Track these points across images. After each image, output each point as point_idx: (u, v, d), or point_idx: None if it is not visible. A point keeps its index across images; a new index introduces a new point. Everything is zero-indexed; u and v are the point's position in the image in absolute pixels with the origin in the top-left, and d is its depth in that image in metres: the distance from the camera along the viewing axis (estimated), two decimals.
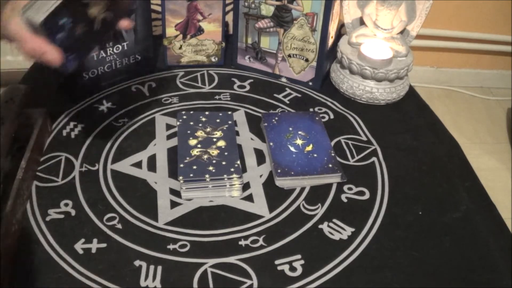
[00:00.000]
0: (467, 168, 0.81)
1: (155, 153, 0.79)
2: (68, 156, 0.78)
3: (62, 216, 0.68)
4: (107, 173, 0.75)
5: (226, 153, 0.76)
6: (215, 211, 0.70)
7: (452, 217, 0.72)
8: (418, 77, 2.11)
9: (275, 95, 0.95)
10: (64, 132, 0.82)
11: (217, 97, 0.93)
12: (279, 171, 0.75)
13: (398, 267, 0.64)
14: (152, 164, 0.77)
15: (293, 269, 0.63)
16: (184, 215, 0.69)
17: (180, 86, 0.95)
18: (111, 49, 0.89)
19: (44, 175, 0.74)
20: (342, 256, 0.65)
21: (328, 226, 0.69)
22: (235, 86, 0.96)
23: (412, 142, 0.85)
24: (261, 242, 0.66)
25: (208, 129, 0.80)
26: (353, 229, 0.69)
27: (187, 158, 0.74)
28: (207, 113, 0.84)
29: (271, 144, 0.79)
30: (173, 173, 0.75)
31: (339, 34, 1.03)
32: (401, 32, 0.96)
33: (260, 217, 0.70)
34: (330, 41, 0.95)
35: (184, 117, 0.83)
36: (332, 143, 0.83)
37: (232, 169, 0.73)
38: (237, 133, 0.83)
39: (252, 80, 0.98)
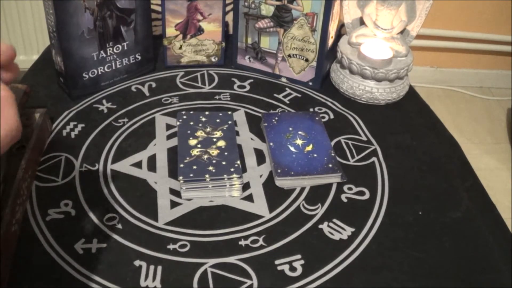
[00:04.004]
0: (467, 168, 0.81)
1: (155, 153, 0.79)
2: (68, 156, 0.78)
3: (62, 216, 0.68)
4: (107, 173, 0.75)
5: (226, 153, 0.76)
6: (215, 211, 0.70)
7: (452, 217, 0.72)
8: (418, 77, 2.11)
9: (275, 95, 0.95)
10: (64, 132, 0.82)
11: (217, 97, 0.93)
12: (279, 171, 0.75)
13: (398, 267, 0.64)
14: (152, 164, 0.77)
15: (293, 269, 0.63)
16: (184, 215, 0.69)
17: (180, 86, 0.95)
18: (111, 49, 0.89)
19: (44, 175, 0.74)
20: (342, 256, 0.65)
21: (328, 226, 0.69)
22: (235, 86, 0.96)
23: (412, 142, 0.85)
24: (261, 242, 0.66)
25: (208, 129, 0.80)
26: (353, 229, 0.69)
27: (187, 158, 0.74)
28: (207, 113, 0.84)
29: (271, 144, 0.79)
30: (173, 173, 0.75)
31: (339, 34, 1.03)
32: (401, 32, 0.96)
33: (260, 217, 0.70)
34: (330, 41, 0.95)
35: (184, 117, 0.83)
36: (332, 143, 0.83)
37: (232, 169, 0.73)
38: (237, 133, 0.83)
39: (252, 80, 0.98)
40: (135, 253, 0.64)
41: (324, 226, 0.69)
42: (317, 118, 0.86)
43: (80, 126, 0.84)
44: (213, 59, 1.01)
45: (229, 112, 0.85)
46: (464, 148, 0.85)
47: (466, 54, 2.11)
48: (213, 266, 0.63)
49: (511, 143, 1.90)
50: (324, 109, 0.92)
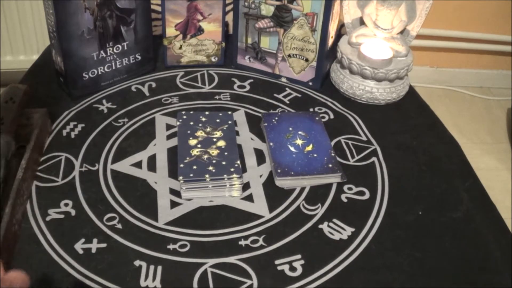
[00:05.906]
0: (467, 168, 0.81)
1: (155, 153, 0.79)
2: (68, 156, 0.78)
3: (62, 216, 0.68)
4: (107, 173, 0.75)
5: (226, 153, 0.76)
6: (215, 211, 0.70)
7: (452, 217, 0.72)
8: (418, 77, 2.11)
9: (275, 95, 0.95)
10: (64, 132, 0.82)
11: (217, 97, 0.93)
12: (279, 171, 0.75)
13: (398, 267, 0.64)
14: (152, 164, 0.77)
15: (293, 269, 0.63)
16: (184, 215, 0.69)
17: (180, 86, 0.95)
18: (111, 49, 0.89)
19: (44, 175, 0.74)
20: (342, 256, 0.65)
21: (328, 226, 0.69)
22: (235, 86, 0.96)
23: (412, 142, 0.85)
24: (261, 242, 0.66)
25: (208, 129, 0.80)
26: (353, 229, 0.69)
27: (187, 158, 0.74)
28: (207, 113, 0.84)
29: (271, 144, 0.79)
30: (173, 173, 0.75)
31: (339, 34, 1.03)
32: (401, 32, 0.96)
33: (260, 217, 0.70)
34: (330, 41, 0.95)
35: (184, 117, 0.83)
36: (332, 143, 0.83)
37: (232, 169, 0.73)
38: (237, 133, 0.83)
39: (252, 80, 0.98)
40: (135, 253, 0.64)
41: (324, 226, 0.69)
42: (317, 118, 0.86)
43: (80, 126, 0.84)
44: (213, 59, 1.01)
45: (229, 112, 0.85)
46: (464, 148, 0.85)
47: (466, 54, 2.10)
48: (213, 266, 0.63)
49: (511, 143, 1.90)
50: (324, 109, 0.92)
